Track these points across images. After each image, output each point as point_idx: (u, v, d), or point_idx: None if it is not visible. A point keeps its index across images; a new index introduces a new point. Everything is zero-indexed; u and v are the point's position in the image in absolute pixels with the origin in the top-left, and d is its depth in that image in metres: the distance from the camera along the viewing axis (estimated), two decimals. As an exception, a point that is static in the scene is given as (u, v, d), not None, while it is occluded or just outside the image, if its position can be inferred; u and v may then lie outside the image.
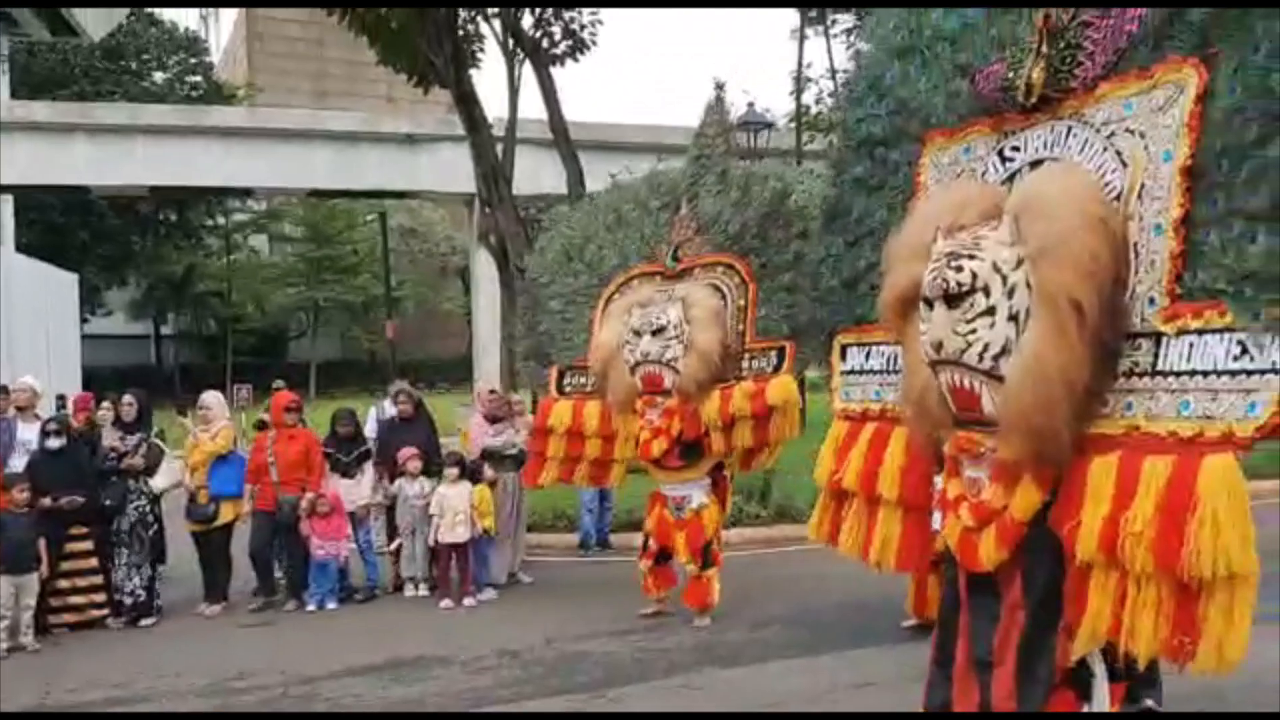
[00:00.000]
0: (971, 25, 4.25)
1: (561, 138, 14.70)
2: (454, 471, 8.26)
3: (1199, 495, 2.99)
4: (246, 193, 32.41)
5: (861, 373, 4.74)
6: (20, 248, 29.81)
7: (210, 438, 8.19)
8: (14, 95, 28.78)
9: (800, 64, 18.33)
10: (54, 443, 7.59)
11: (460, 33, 15.36)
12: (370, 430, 10.08)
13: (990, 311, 3.43)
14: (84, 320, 35.42)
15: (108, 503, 7.70)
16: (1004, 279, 3.44)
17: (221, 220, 40.95)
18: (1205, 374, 3.10)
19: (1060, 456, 3.41)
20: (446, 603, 8.07)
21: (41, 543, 7.23)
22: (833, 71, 18.31)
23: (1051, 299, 3.30)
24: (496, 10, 15.22)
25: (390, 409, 10.34)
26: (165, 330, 44.93)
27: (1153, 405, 3.25)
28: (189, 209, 38.71)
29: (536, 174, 19.81)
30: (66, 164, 25.28)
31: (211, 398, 8.55)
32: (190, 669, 6.69)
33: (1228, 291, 3.06)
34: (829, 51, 18.68)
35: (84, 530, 7.66)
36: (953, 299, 3.46)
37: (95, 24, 29.21)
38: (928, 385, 3.71)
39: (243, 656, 6.95)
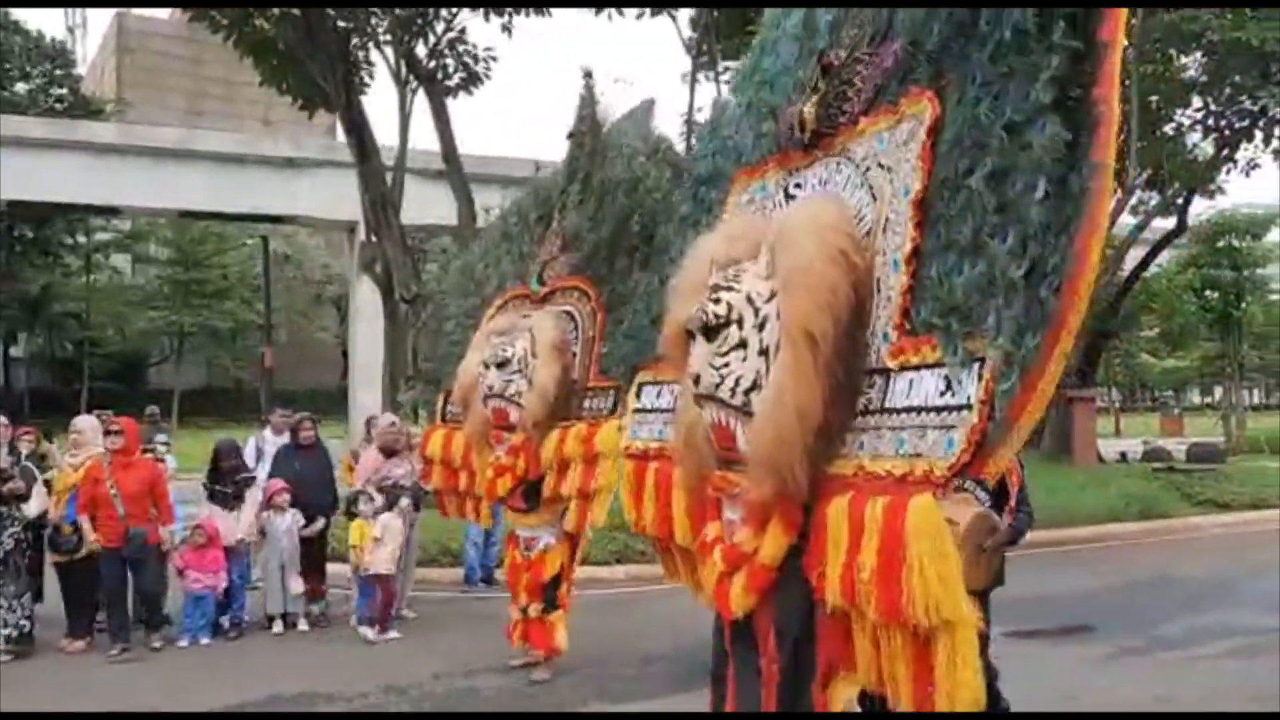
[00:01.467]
0: (787, 69, 4.28)
1: (454, 168, 14.63)
2: (406, 502, 8.37)
3: (906, 539, 2.90)
4: (114, 212, 31.07)
5: (651, 410, 4.58)
6: None
7: (76, 465, 7.79)
8: None
9: (691, 108, 18.71)
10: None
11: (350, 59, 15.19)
12: (250, 458, 9.76)
13: (742, 345, 3.41)
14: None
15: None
16: (756, 311, 3.42)
17: (83, 239, 39.08)
18: (919, 410, 3.02)
19: (801, 497, 3.30)
20: (369, 632, 7.94)
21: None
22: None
23: (790, 331, 3.25)
24: (389, 38, 15.10)
25: (270, 438, 10.07)
26: (15, 352, 42.47)
27: (878, 444, 3.16)
28: (48, 226, 36.83)
29: (424, 203, 19.59)
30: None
31: (84, 422, 8.16)
32: (70, 706, 6.32)
33: (939, 325, 3.00)
34: (719, 95, 19.01)
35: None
36: (710, 331, 3.43)
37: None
38: (695, 422, 3.64)
39: (118, 694, 6.62)
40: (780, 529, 3.41)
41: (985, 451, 2.84)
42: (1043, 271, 2.71)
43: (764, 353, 3.38)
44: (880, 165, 3.45)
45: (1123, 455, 22.16)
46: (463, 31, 15.55)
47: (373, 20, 15.25)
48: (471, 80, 15.79)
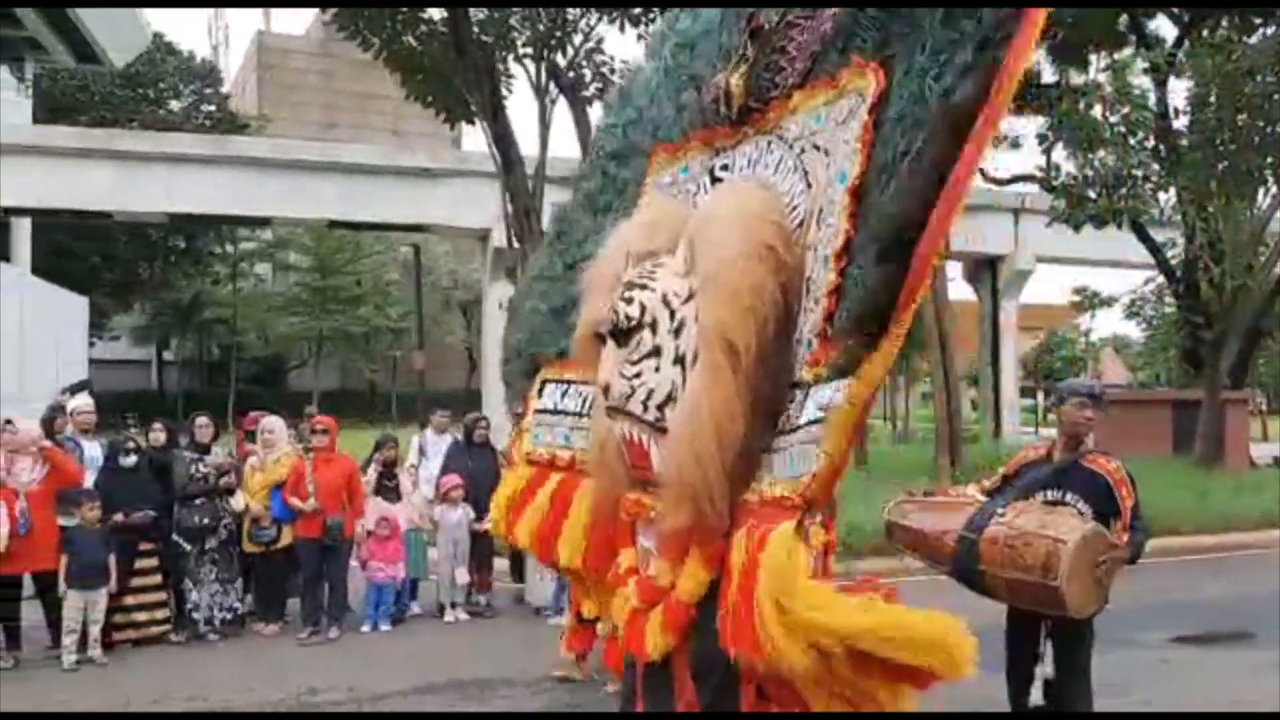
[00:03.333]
0: (709, 31, 3.68)
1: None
2: None
3: (759, 574, 2.58)
4: (264, 222, 32.65)
5: (555, 412, 3.98)
6: (34, 270, 30.00)
7: (273, 462, 8.37)
8: (35, 120, 29.06)
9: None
10: (128, 460, 7.76)
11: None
12: (413, 457, 10.30)
13: (656, 352, 2.96)
14: (90, 344, 35.54)
15: (204, 521, 7.87)
16: (672, 314, 2.97)
17: (230, 248, 41.19)
18: (813, 425, 2.64)
19: (720, 525, 2.84)
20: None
21: (111, 559, 7.38)
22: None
23: (708, 338, 2.82)
24: (530, 51, 15.58)
25: (432, 437, 10.59)
26: (168, 356, 44.97)
27: (783, 465, 2.76)
28: (199, 236, 38.92)
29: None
30: (88, 189, 25.50)
31: (274, 422, 8.73)
32: (261, 684, 6.84)
33: (848, 329, 2.63)
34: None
35: (151, 547, 7.81)
36: (621, 335, 2.99)
37: (118, 52, 29.55)
38: (608, 434, 3.18)
39: (308, 673, 7.09)
40: (699, 562, 2.96)
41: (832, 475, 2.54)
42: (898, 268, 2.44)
43: (680, 361, 2.93)
44: (816, 147, 2.97)
45: (1276, 460, 21.26)
46: (600, 42, 15.94)
47: (512, 34, 15.76)
48: (608, 89, 16.17)
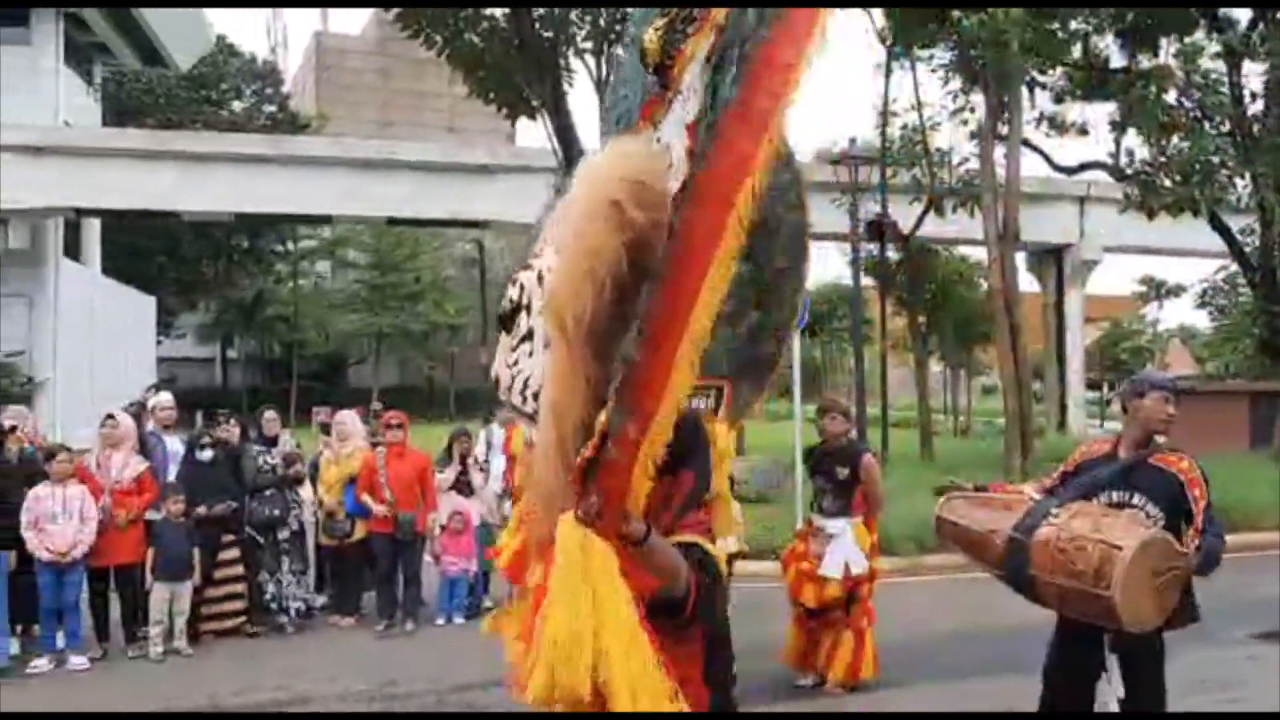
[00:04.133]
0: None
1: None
2: None
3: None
4: (326, 220, 33.11)
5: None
6: (104, 270, 30.75)
7: (345, 455, 8.45)
8: (104, 123, 29.76)
9: (886, 98, 18.51)
10: (205, 454, 7.89)
11: (553, 67, 15.75)
12: (481, 451, 10.35)
13: (529, 335, 2.71)
14: (158, 342, 36.37)
15: (275, 512, 7.98)
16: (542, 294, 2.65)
17: (290, 246, 41.85)
18: None
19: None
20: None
21: (195, 551, 7.50)
22: (918, 104, 18.51)
23: (546, 313, 2.46)
24: (591, 45, 15.58)
25: (499, 432, 10.63)
26: (231, 354, 45.86)
27: None
28: (261, 235, 39.60)
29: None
30: (155, 190, 26.04)
31: (348, 416, 8.84)
32: (343, 675, 6.91)
33: None
34: (915, 85, 18.73)
35: (231, 539, 7.93)
36: (505, 320, 2.78)
37: (183, 54, 30.17)
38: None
39: (387, 666, 7.15)
40: None
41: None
42: None
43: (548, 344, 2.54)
44: (695, 94, 2.59)
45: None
46: (659, 35, 15.92)
47: (573, 29, 15.78)
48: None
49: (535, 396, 2.59)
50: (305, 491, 8.29)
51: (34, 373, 25.05)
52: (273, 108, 40.77)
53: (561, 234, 2.45)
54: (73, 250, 28.43)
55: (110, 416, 7.76)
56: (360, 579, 8.51)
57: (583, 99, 16.68)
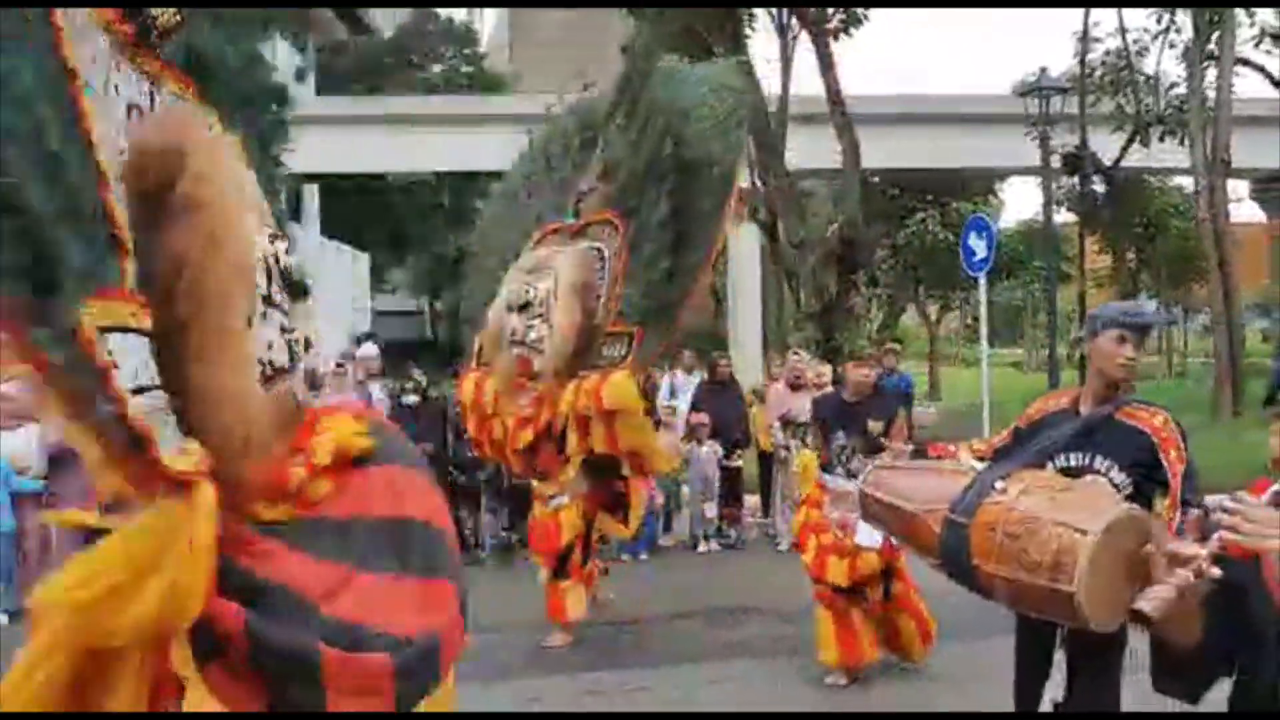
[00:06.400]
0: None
1: (838, 110, 14.80)
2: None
3: None
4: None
5: None
6: (322, 231, 33.00)
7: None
8: (319, 93, 31.72)
9: (1086, 23, 17.49)
10: (409, 399, 8.57)
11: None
12: (664, 396, 10.72)
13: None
14: (371, 297, 38.77)
15: (474, 453, 8.56)
16: None
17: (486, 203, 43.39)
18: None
19: None
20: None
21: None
22: (1121, 30, 17.39)
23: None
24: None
25: (682, 376, 10.95)
26: (439, 306, 48.26)
27: None
28: (463, 193, 41.32)
29: (805, 148, 19.97)
30: (365, 153, 27.63)
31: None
32: (530, 609, 7.38)
33: None
34: (1119, 11, 17.59)
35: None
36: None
37: (386, 22, 31.71)
38: None
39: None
40: None
41: None
42: None
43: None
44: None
45: None
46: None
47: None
48: (852, 22, 15.81)
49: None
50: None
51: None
52: (470, 69, 42.16)
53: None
54: (295, 214, 30.63)
55: (340, 365, 8.53)
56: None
57: (763, 45, 16.58)
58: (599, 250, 6.05)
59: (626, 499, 6.36)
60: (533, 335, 5.89)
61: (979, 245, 11.25)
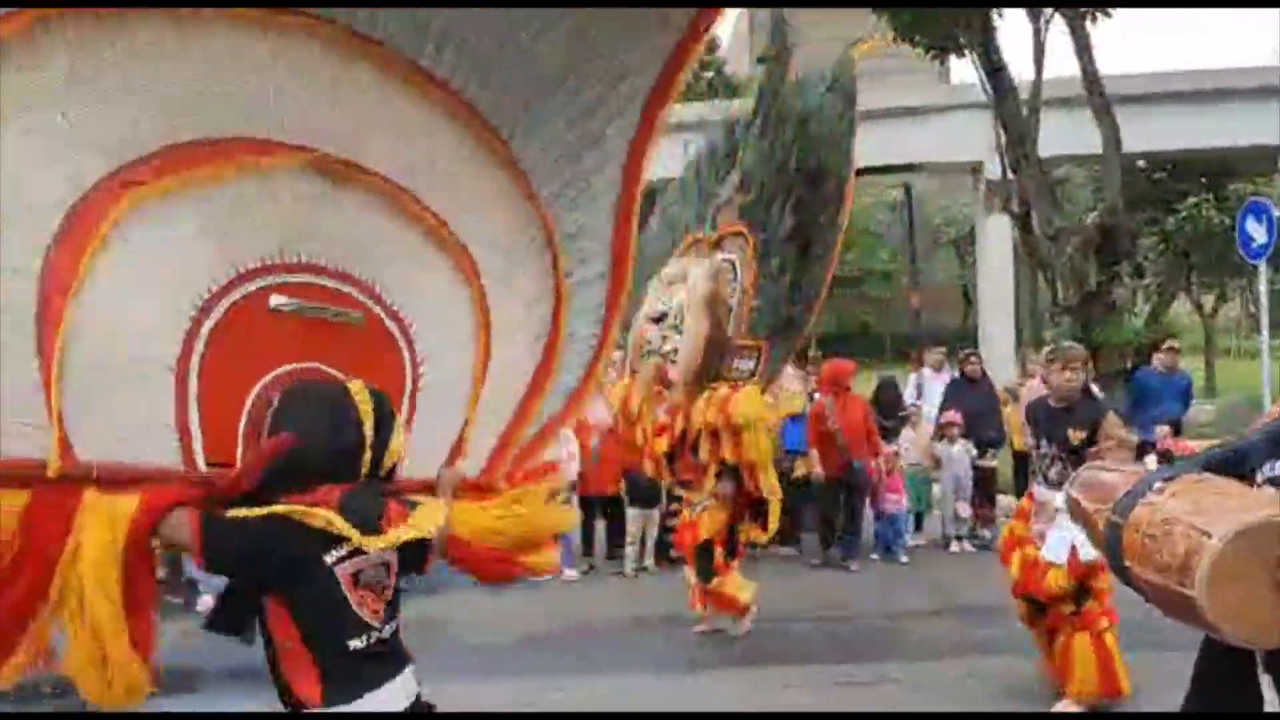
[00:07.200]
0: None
1: (1096, 93, 14.09)
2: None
3: None
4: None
5: None
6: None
7: (784, 397, 9.16)
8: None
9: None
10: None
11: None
12: (909, 395, 10.69)
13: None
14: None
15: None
16: None
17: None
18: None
19: None
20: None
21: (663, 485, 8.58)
22: None
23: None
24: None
25: (929, 375, 10.86)
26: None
27: None
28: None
29: (1057, 135, 19.12)
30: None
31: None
32: (780, 599, 7.61)
33: None
34: None
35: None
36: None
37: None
38: None
39: (839, 592, 7.89)
40: None
41: None
42: None
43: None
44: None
45: None
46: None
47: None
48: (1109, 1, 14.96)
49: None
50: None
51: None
52: (709, 74, 42.77)
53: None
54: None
55: None
56: (800, 513, 9.21)
57: (1014, 32, 16.02)
58: (732, 262, 6.17)
59: (765, 505, 6.44)
60: (667, 345, 6.11)
61: (1257, 231, 10.48)
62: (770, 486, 6.19)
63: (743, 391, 5.87)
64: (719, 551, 6.38)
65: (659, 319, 6.13)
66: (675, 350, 6.06)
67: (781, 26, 6.75)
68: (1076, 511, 3.09)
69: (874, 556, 8.85)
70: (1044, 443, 5.27)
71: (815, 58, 7.16)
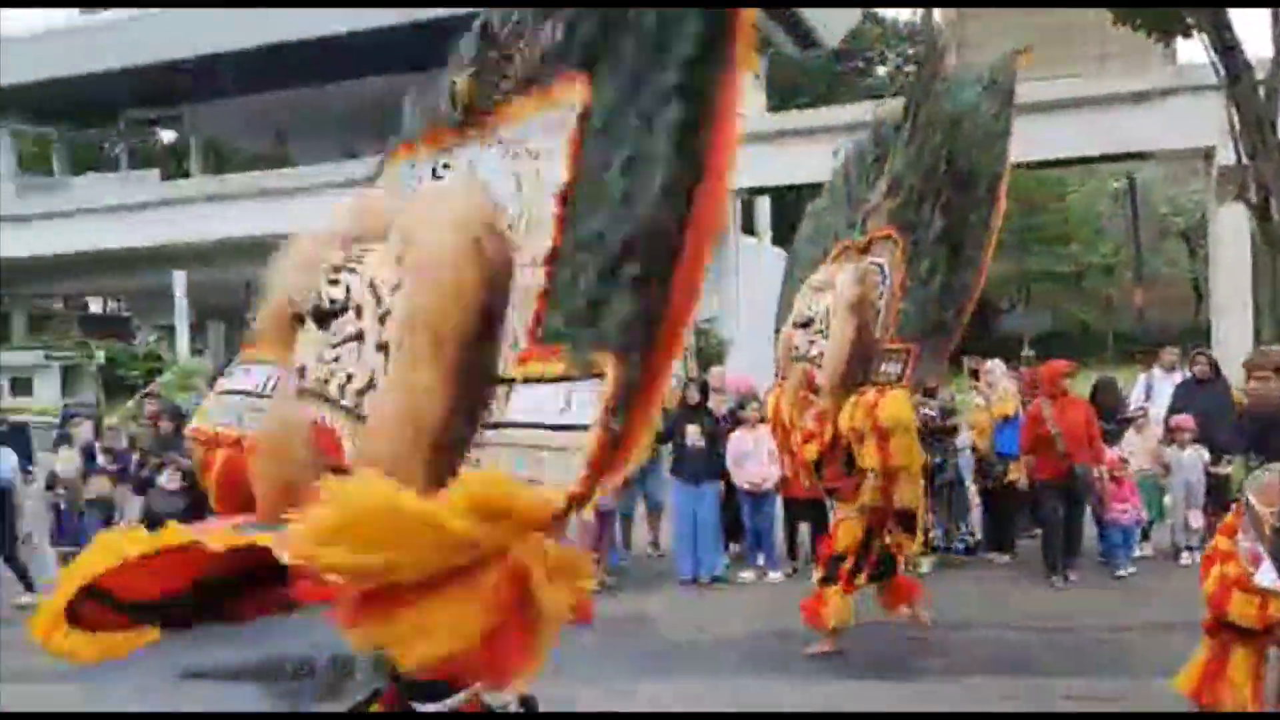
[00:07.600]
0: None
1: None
2: None
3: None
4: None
5: (234, 393, 3.72)
6: (773, 241, 34.59)
7: (997, 400, 8.95)
8: (768, 108, 33.31)
9: None
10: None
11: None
12: (1138, 397, 10.19)
13: (359, 337, 2.91)
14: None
15: (937, 460, 8.67)
16: (379, 301, 2.92)
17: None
18: (537, 427, 2.58)
19: None
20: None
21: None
22: None
23: (412, 327, 2.79)
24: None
25: (1159, 375, 10.31)
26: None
27: (497, 462, 2.65)
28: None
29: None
30: (810, 164, 28.55)
31: (995, 364, 9.39)
32: (998, 610, 7.47)
33: (566, 334, 2.54)
34: None
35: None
36: (324, 317, 2.94)
37: (831, 33, 32.48)
38: (291, 422, 3.05)
39: (1059, 603, 7.65)
40: None
41: (599, 479, 2.41)
42: (650, 275, 2.42)
43: (383, 348, 2.89)
44: (528, 152, 2.98)
45: None
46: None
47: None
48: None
49: (358, 393, 2.94)
50: (963, 439, 8.95)
51: (723, 335, 29.07)
52: (913, 67, 41.85)
53: (417, 261, 2.87)
54: (748, 226, 32.37)
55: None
56: (1014, 519, 8.95)
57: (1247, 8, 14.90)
58: (880, 266, 6.17)
59: (913, 513, 6.35)
60: (814, 351, 6.10)
61: None
62: (914, 495, 6.13)
63: (890, 395, 5.82)
64: (848, 562, 6.38)
65: (806, 324, 6.18)
66: (821, 355, 6.09)
67: (931, 29, 6.96)
68: (1248, 514, 3.21)
69: (1100, 562, 8.49)
70: (1252, 455, 5.13)
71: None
